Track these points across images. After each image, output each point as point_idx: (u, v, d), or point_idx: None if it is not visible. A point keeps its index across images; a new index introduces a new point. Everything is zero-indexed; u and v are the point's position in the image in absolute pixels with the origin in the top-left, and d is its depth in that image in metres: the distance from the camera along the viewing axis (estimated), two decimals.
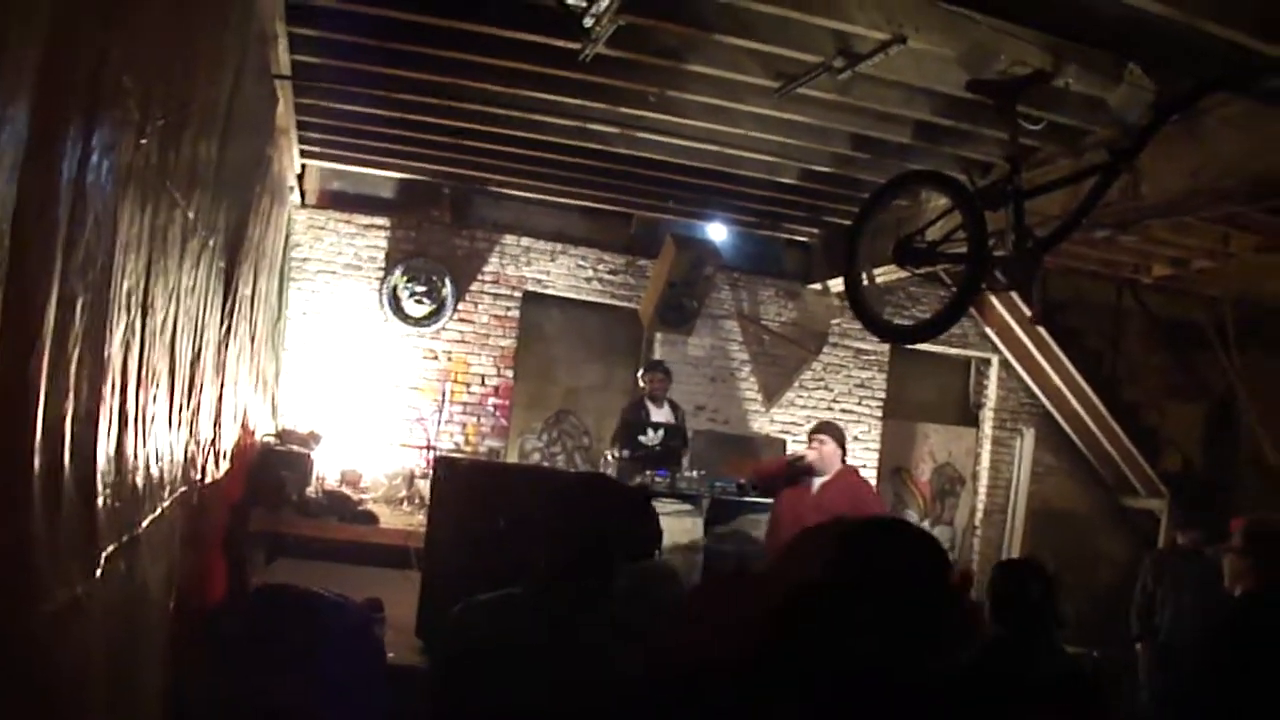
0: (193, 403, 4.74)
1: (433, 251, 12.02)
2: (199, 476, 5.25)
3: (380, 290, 11.84)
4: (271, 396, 10.26)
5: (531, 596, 3.44)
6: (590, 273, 12.58)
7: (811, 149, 9.08)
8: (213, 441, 5.75)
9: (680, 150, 9.36)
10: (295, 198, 11.16)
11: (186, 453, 4.72)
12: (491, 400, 12.21)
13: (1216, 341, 13.13)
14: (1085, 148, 7.80)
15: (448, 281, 11.91)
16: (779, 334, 13.06)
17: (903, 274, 6.71)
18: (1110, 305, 13.65)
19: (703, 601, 2.93)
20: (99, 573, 2.83)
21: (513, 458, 12.24)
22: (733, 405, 12.97)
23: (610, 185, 10.85)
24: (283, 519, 8.80)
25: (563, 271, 12.52)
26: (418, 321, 11.90)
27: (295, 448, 9.50)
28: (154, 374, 3.57)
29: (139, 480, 3.42)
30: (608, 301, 12.68)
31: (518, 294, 12.37)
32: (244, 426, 7.69)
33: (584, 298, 12.64)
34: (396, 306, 11.84)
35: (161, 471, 3.92)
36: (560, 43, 6.94)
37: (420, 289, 11.85)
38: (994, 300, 12.38)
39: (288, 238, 10.77)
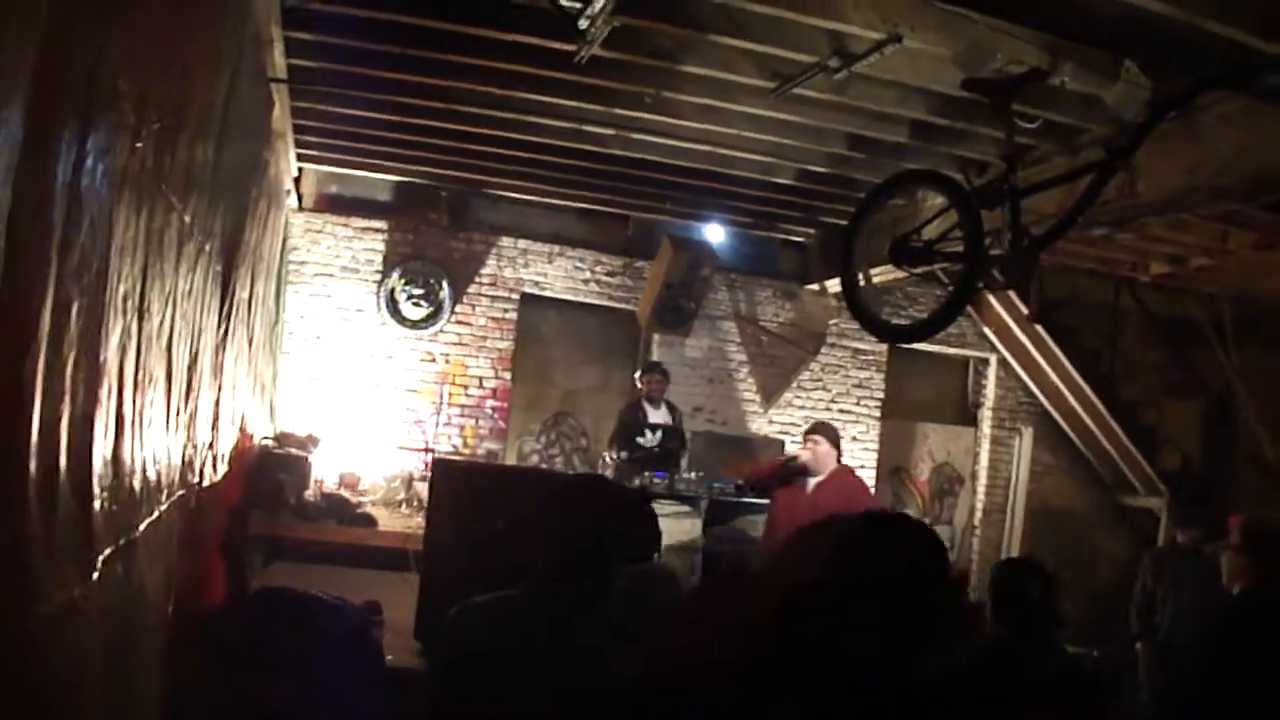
0: (190, 406, 4.74)
1: (430, 254, 12.01)
2: (197, 480, 5.25)
3: (378, 293, 11.83)
4: (269, 400, 10.26)
5: (529, 598, 3.44)
6: (587, 274, 12.58)
7: (807, 149, 9.08)
8: (210, 445, 5.75)
9: (676, 151, 9.36)
10: (292, 201, 11.17)
11: (184, 456, 4.72)
12: (489, 402, 12.20)
13: (1214, 339, 13.12)
14: (1081, 146, 7.80)
15: (445, 284, 11.90)
16: (776, 335, 13.06)
17: (899, 274, 6.72)
18: (1108, 303, 13.64)
19: (700, 602, 2.93)
20: (96, 575, 2.83)
21: (511, 460, 12.23)
22: (731, 406, 12.97)
23: (607, 187, 10.85)
24: (281, 522, 8.78)
25: (560, 273, 12.51)
26: (415, 324, 11.90)
27: (293, 451, 9.48)
28: (150, 377, 3.56)
29: (136, 483, 3.41)
30: (605, 303, 12.68)
31: (515, 296, 12.36)
32: (242, 430, 7.69)
33: (581, 299, 12.64)
34: (394, 309, 11.83)
35: (159, 475, 3.92)
36: (556, 45, 6.94)
37: (418, 291, 11.84)
38: (992, 299, 12.38)
39: (285, 241, 10.77)
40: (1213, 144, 6.90)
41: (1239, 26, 5.58)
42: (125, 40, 2.69)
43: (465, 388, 12.14)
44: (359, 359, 11.78)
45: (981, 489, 13.90)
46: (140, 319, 3.26)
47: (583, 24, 6.33)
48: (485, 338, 12.22)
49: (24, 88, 1.98)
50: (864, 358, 13.35)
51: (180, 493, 4.60)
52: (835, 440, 8.25)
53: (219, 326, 5.68)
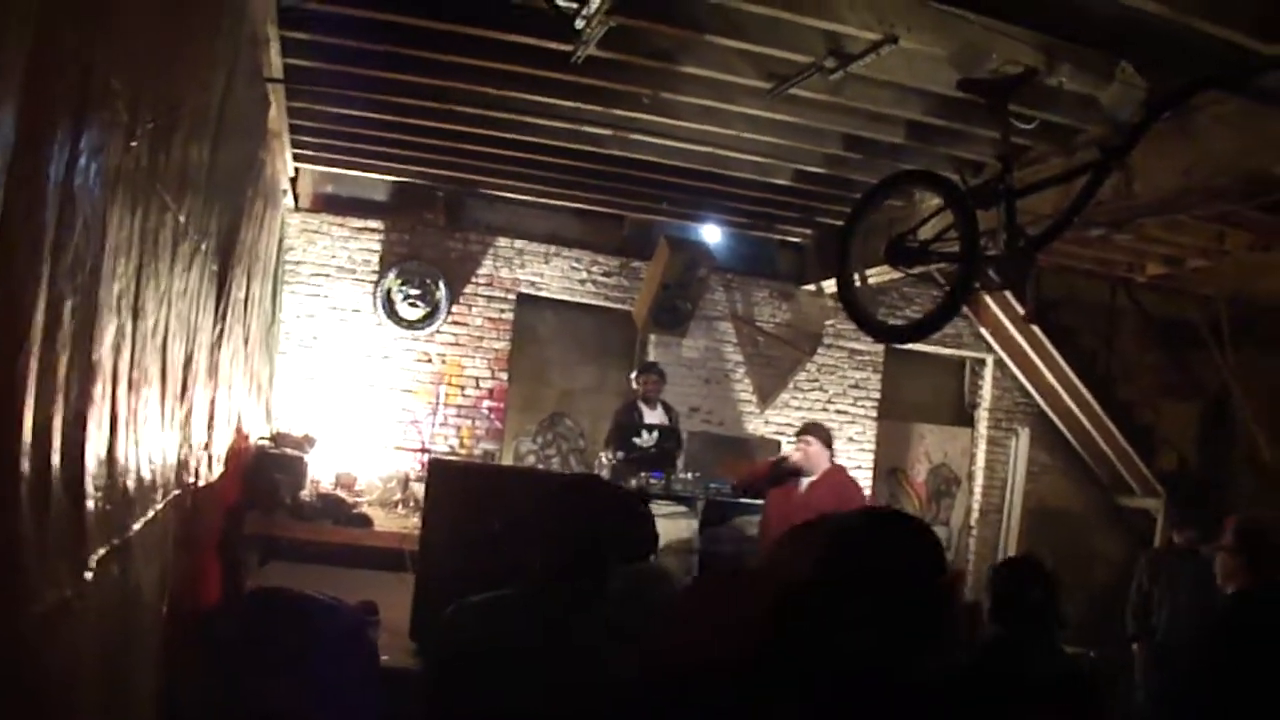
0: (185, 406, 4.74)
1: (426, 254, 12.01)
2: (192, 480, 5.24)
3: (374, 293, 11.83)
4: (265, 400, 10.26)
5: (525, 598, 3.44)
6: (584, 275, 12.58)
7: (804, 150, 9.09)
8: (206, 444, 5.74)
9: (673, 152, 9.36)
10: (288, 201, 11.17)
11: (179, 456, 4.71)
12: (486, 403, 12.21)
13: (1211, 340, 13.12)
14: (1078, 146, 7.81)
15: (441, 284, 11.90)
16: (773, 335, 13.07)
17: (896, 274, 6.72)
18: (1105, 304, 13.65)
19: (696, 601, 2.92)
20: (89, 575, 2.82)
21: (507, 460, 12.24)
22: (727, 407, 12.98)
23: (603, 187, 10.86)
24: (277, 522, 8.77)
25: (556, 274, 12.52)
26: (412, 324, 11.90)
27: (289, 451, 9.48)
28: (145, 377, 3.56)
29: (130, 483, 3.41)
30: (601, 303, 12.69)
31: (511, 296, 12.37)
32: (238, 430, 7.68)
33: (578, 300, 12.65)
34: (390, 309, 11.83)
35: (153, 474, 3.92)
36: (553, 45, 6.95)
37: (414, 292, 11.84)
38: (988, 300, 12.39)
39: (281, 241, 10.77)
40: (1209, 145, 6.91)
41: (1234, 27, 5.59)
42: (119, 39, 2.69)
43: (462, 388, 12.14)
44: (355, 359, 11.78)
45: (978, 490, 13.91)
46: (135, 318, 3.25)
47: (579, 24, 6.33)
48: (481, 338, 12.22)
49: (16, 87, 1.98)
50: (860, 358, 13.35)
51: (175, 493, 4.60)
52: (827, 440, 8.30)
53: (214, 326, 5.67)
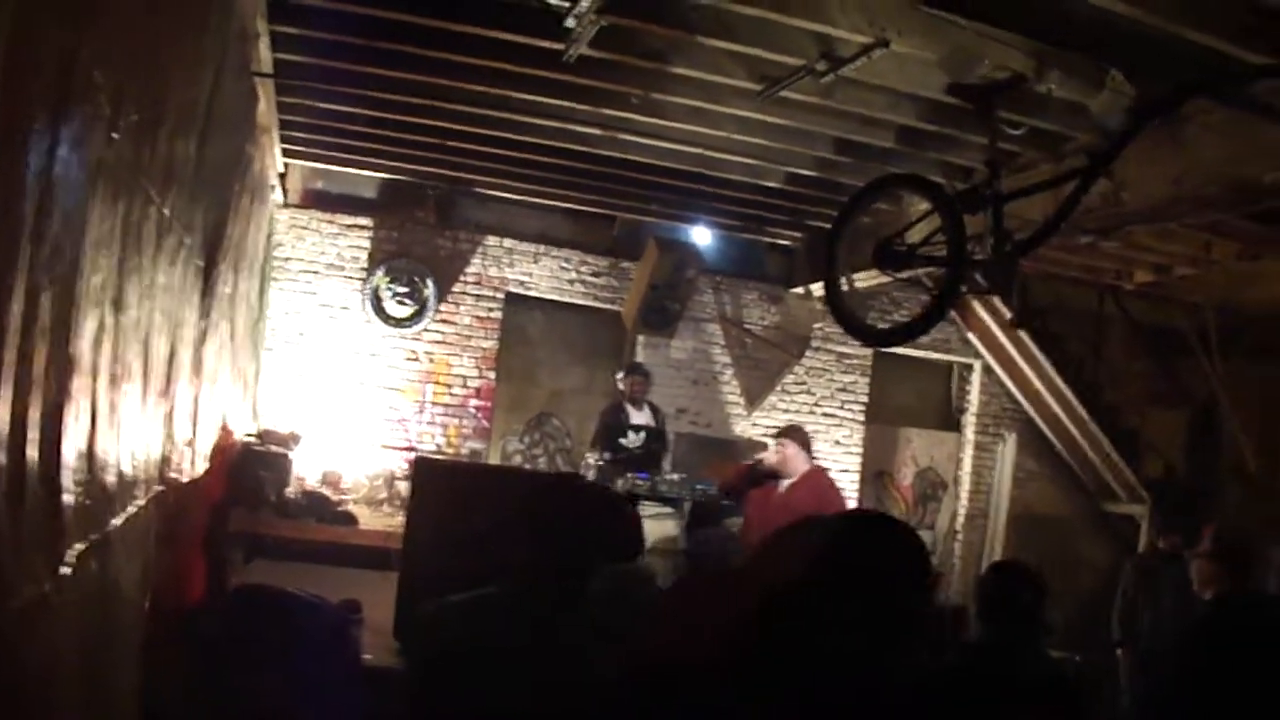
0: (168, 401, 4.72)
1: (415, 252, 11.99)
2: (175, 475, 5.23)
3: (362, 291, 11.80)
4: (252, 396, 10.24)
5: (509, 597, 3.42)
6: (573, 274, 12.57)
7: (795, 152, 9.08)
8: (190, 441, 5.73)
9: (663, 152, 9.35)
10: (277, 197, 11.13)
11: (162, 451, 4.70)
12: (473, 402, 12.18)
13: (1199, 348, 13.15)
14: (1068, 153, 7.80)
15: (430, 282, 11.88)
16: (761, 338, 13.06)
17: (884, 278, 6.72)
18: (1092, 311, 13.66)
19: (679, 601, 2.92)
20: (67, 570, 2.81)
21: (494, 460, 12.21)
22: (715, 408, 12.96)
23: (593, 187, 10.84)
24: (262, 519, 8.77)
25: (545, 273, 12.49)
26: (399, 322, 11.87)
27: (274, 448, 9.47)
28: (127, 371, 3.55)
29: (110, 478, 3.40)
30: (590, 304, 12.66)
31: (500, 295, 12.34)
32: (223, 426, 7.67)
33: (566, 299, 12.62)
34: (378, 307, 11.80)
35: (135, 470, 3.91)
36: (544, 44, 6.93)
37: (402, 290, 11.82)
38: (976, 305, 12.40)
39: (270, 237, 10.75)
40: (1198, 153, 6.92)
41: (1221, 35, 5.61)
42: (101, 33, 2.68)
43: (449, 387, 12.11)
44: (343, 356, 11.75)
45: (964, 494, 13.91)
46: (116, 312, 3.24)
47: (569, 23, 6.34)
48: (470, 337, 12.20)
49: None
50: (848, 362, 13.35)
51: (158, 489, 4.59)
52: (804, 443, 8.34)
53: (199, 321, 5.66)
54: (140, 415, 3.95)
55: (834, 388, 13.36)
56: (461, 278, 12.17)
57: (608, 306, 12.55)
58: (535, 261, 12.44)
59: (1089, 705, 6.67)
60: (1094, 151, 5.69)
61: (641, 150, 9.30)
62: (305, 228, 11.77)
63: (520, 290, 12.43)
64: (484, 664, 3.27)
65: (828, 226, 9.78)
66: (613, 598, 3.96)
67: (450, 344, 12.14)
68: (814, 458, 8.61)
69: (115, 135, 2.92)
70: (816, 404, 13.26)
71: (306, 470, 10.60)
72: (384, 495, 11.12)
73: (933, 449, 14.13)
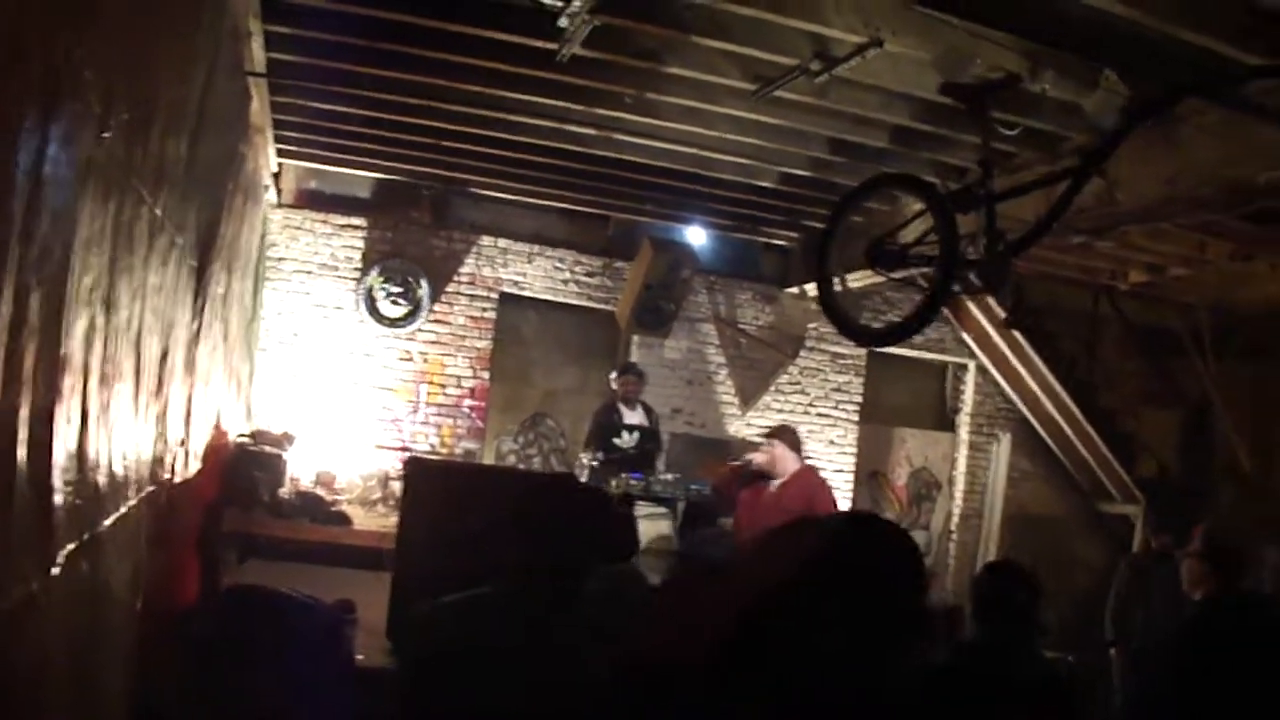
0: (161, 401, 4.72)
1: (409, 252, 11.97)
2: (168, 476, 5.22)
3: (356, 291, 11.78)
4: (245, 396, 10.23)
5: (502, 597, 3.42)
6: (567, 275, 12.56)
7: (789, 152, 9.08)
8: (183, 441, 5.72)
9: (658, 152, 9.35)
10: (271, 196, 11.12)
11: (154, 452, 4.69)
12: (467, 402, 12.17)
13: (1192, 348, 13.16)
14: (1063, 154, 7.80)
15: (424, 282, 11.86)
16: (756, 338, 13.05)
17: (878, 278, 6.71)
18: (1087, 311, 13.66)
19: (672, 600, 2.91)
20: (56, 571, 2.80)
21: (489, 460, 12.20)
22: (709, 408, 12.96)
23: (588, 187, 10.83)
24: (255, 520, 8.76)
25: (540, 273, 12.48)
26: (393, 322, 11.86)
27: (268, 448, 9.45)
28: (118, 371, 3.54)
29: (101, 478, 3.39)
30: (585, 304, 12.65)
31: (494, 295, 12.32)
32: (216, 426, 7.66)
33: (561, 300, 12.61)
34: (372, 307, 11.78)
35: (126, 470, 3.90)
36: (538, 43, 6.92)
37: (396, 289, 11.80)
38: (971, 305, 12.39)
39: (263, 237, 10.73)
40: (1192, 154, 6.92)
41: (1217, 36, 5.61)
42: (91, 33, 2.67)
43: (443, 387, 12.10)
44: (336, 357, 11.73)
45: (959, 494, 13.92)
46: (107, 312, 3.23)
47: (563, 22, 6.33)
48: (464, 337, 12.19)
49: None
50: (843, 362, 13.34)
51: (150, 489, 4.58)
52: (793, 443, 8.34)
53: (192, 321, 5.65)
54: (132, 416, 3.94)
55: (828, 388, 13.36)
56: (456, 278, 12.16)
57: (602, 306, 12.53)
58: (529, 261, 12.43)
59: (1082, 705, 6.67)
60: (1087, 151, 5.69)
61: (636, 150, 9.29)
62: (299, 228, 11.75)
63: (514, 290, 12.42)
64: (477, 664, 3.27)
65: (822, 226, 9.81)
66: (607, 598, 3.96)
67: (444, 344, 12.13)
68: (804, 457, 8.61)
69: (106, 134, 2.92)
70: (811, 404, 13.26)
71: (300, 470, 10.58)
72: (378, 495, 11.11)
73: (927, 449, 14.14)
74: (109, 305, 3.25)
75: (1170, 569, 8.41)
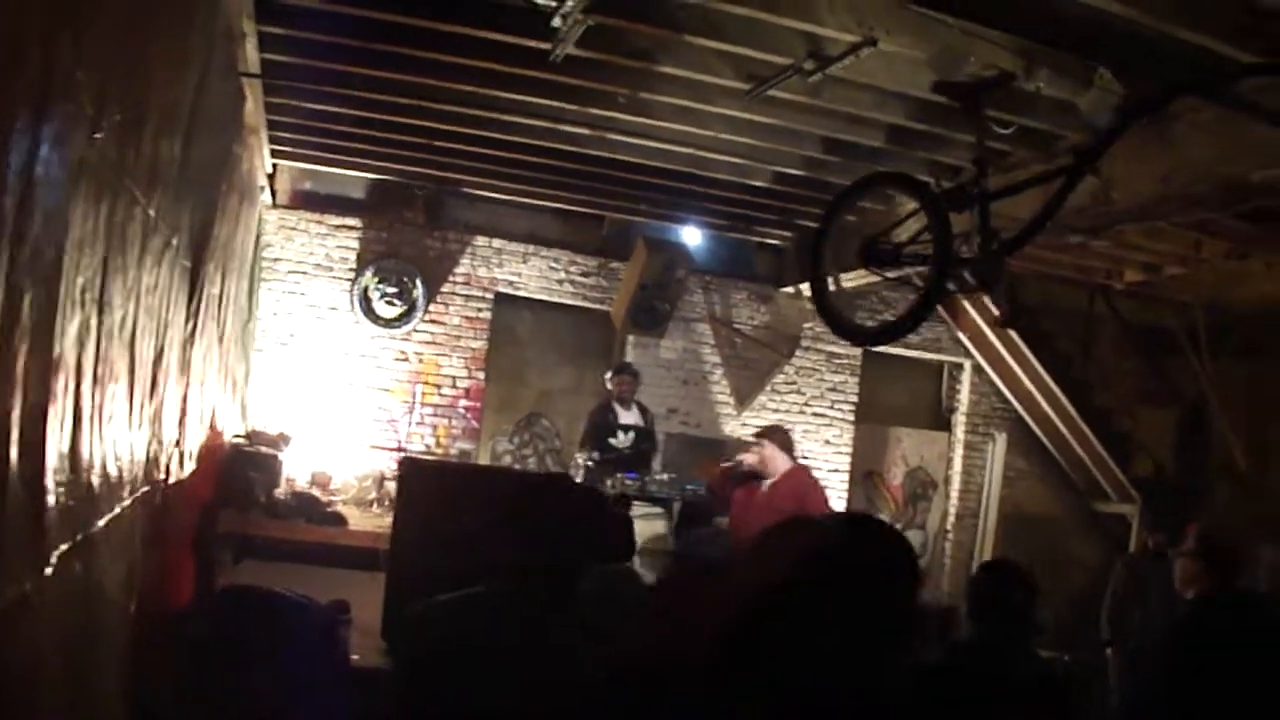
0: (155, 402, 4.71)
1: (404, 252, 11.97)
2: (163, 476, 5.22)
3: (351, 291, 11.78)
4: (241, 397, 10.22)
5: (496, 597, 3.42)
6: (562, 275, 12.56)
7: (783, 152, 9.08)
8: (177, 441, 5.71)
9: (652, 152, 9.35)
10: (266, 197, 11.10)
11: (149, 452, 4.68)
12: (463, 402, 12.17)
13: (1188, 347, 13.17)
14: (1058, 152, 7.80)
15: (419, 283, 11.86)
16: (751, 337, 13.06)
17: (872, 277, 6.71)
18: (1082, 310, 13.67)
19: (667, 600, 2.91)
20: (49, 571, 2.80)
21: (484, 460, 12.20)
22: (705, 408, 12.96)
23: (582, 187, 10.84)
24: (251, 520, 8.75)
25: (534, 273, 12.48)
26: (388, 323, 11.86)
27: (263, 449, 9.45)
28: (112, 372, 3.53)
29: (95, 479, 3.38)
30: (579, 304, 12.65)
31: (489, 296, 12.32)
32: (212, 427, 7.66)
33: (556, 300, 12.61)
34: (367, 307, 11.78)
35: (120, 471, 3.89)
36: (532, 43, 6.92)
37: (391, 290, 11.80)
38: (966, 305, 12.39)
39: (258, 238, 10.73)
40: (1187, 152, 6.92)
41: (1212, 34, 5.60)
42: (83, 33, 2.66)
43: (438, 387, 12.10)
44: (332, 357, 11.74)
45: (954, 494, 13.92)
46: (100, 313, 3.23)
47: (556, 22, 6.33)
48: (459, 337, 12.19)
49: None
50: (838, 361, 13.34)
51: (144, 490, 4.57)
52: (784, 443, 8.35)
53: (187, 322, 5.65)
54: (126, 416, 3.93)
55: (824, 387, 13.36)
56: (450, 278, 12.16)
57: (597, 306, 12.54)
58: (524, 262, 12.43)
59: (1078, 705, 6.68)
60: (1081, 150, 5.69)
61: (630, 150, 9.29)
62: (294, 228, 11.75)
63: (509, 290, 12.42)
64: (472, 664, 3.27)
65: (815, 226, 9.82)
66: (602, 598, 3.96)
67: (439, 344, 12.13)
68: (796, 457, 8.61)
69: (98, 135, 2.91)
70: (806, 404, 13.26)
71: (296, 471, 10.57)
72: (373, 496, 11.09)
73: (923, 448, 14.14)
74: (102, 306, 3.24)
75: (1166, 568, 8.40)
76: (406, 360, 12.02)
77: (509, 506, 3.60)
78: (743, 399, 13.06)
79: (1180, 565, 5.36)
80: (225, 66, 6.35)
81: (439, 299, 12.09)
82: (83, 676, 3.42)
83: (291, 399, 11.38)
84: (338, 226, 11.86)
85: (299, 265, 11.75)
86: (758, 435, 8.64)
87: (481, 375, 12.27)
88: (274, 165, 10.84)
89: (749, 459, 8.34)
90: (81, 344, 3.01)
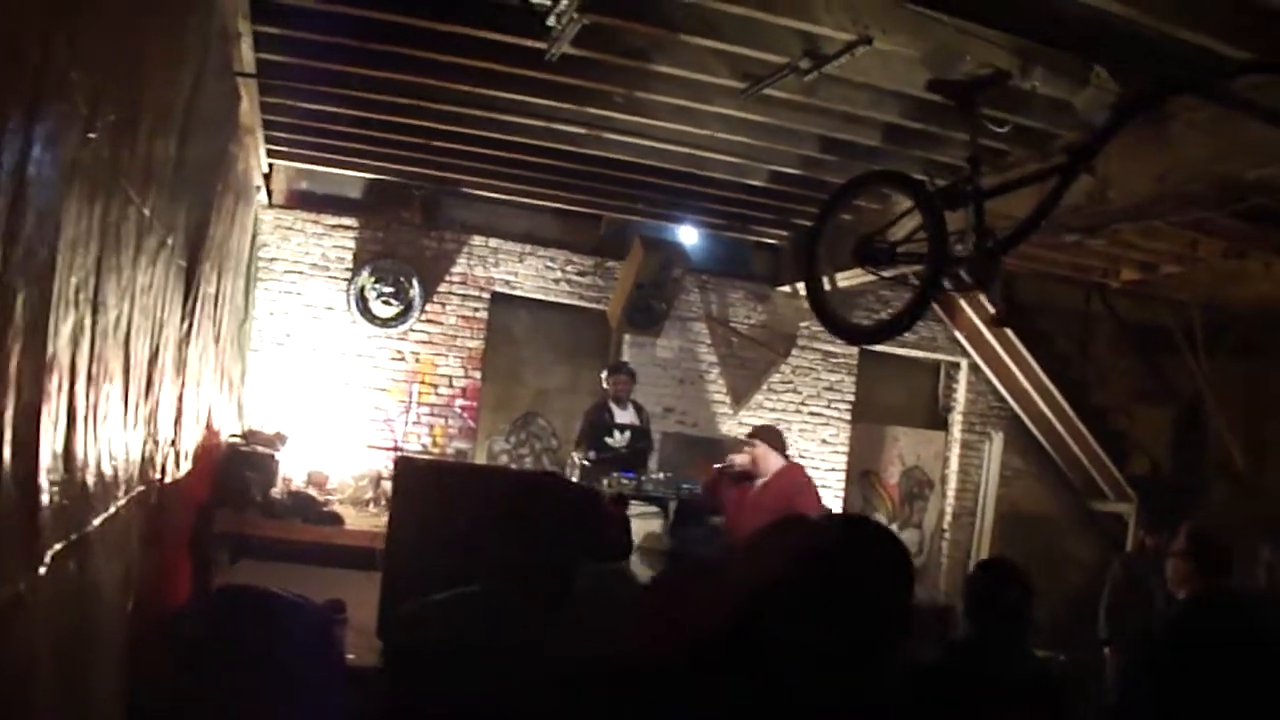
0: (150, 402, 4.71)
1: (401, 252, 11.97)
2: (158, 476, 5.22)
3: (348, 291, 11.78)
4: (237, 397, 10.21)
5: (492, 596, 3.42)
6: (559, 274, 12.56)
7: (780, 151, 9.08)
8: (173, 441, 5.71)
9: (648, 151, 9.34)
10: (262, 197, 11.10)
11: (144, 452, 4.68)
12: (459, 402, 12.17)
13: (1185, 346, 13.18)
14: (1053, 151, 7.80)
15: (415, 282, 11.86)
16: (747, 336, 13.06)
17: (868, 277, 6.71)
18: (1079, 309, 13.69)
19: (662, 598, 2.91)
20: (43, 571, 2.79)
21: (480, 459, 12.19)
22: (701, 407, 12.96)
23: (579, 186, 10.83)
24: (247, 520, 8.76)
25: (531, 273, 12.48)
26: (385, 322, 11.85)
27: (260, 449, 9.45)
28: (106, 372, 3.53)
29: (89, 478, 3.38)
30: (576, 303, 12.65)
31: (486, 295, 12.32)
32: (208, 426, 7.65)
33: (552, 299, 12.61)
34: (364, 307, 11.78)
35: (116, 470, 3.89)
36: (527, 43, 6.91)
37: (388, 290, 11.80)
38: (963, 304, 12.39)
39: (254, 237, 10.72)
40: (1182, 151, 6.92)
41: (1208, 32, 5.61)
42: (77, 33, 2.66)
43: (435, 387, 12.10)
44: (328, 357, 11.73)
45: (951, 493, 13.92)
46: (94, 312, 3.22)
47: (551, 21, 6.32)
48: (455, 337, 12.18)
49: None
50: (835, 360, 13.35)
51: (140, 489, 4.57)
52: (775, 442, 8.33)
53: (182, 322, 5.65)
54: (121, 416, 3.93)
55: (820, 386, 13.36)
56: (447, 277, 12.16)
57: (593, 306, 12.54)
58: (521, 261, 12.43)
59: (1073, 704, 6.67)
60: (1076, 148, 5.69)
61: (626, 149, 9.29)
62: (290, 228, 11.75)
63: (506, 290, 12.42)
64: (467, 663, 3.27)
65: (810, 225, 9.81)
66: (596, 597, 3.96)
67: (436, 344, 12.13)
68: (789, 456, 8.60)
69: (92, 135, 2.91)
70: (803, 403, 13.26)
71: (292, 471, 10.58)
72: (370, 495, 11.09)
73: (919, 448, 14.14)
74: (97, 306, 3.24)
75: (1163, 567, 8.43)
76: (403, 360, 12.02)
77: (505, 506, 3.60)
78: (739, 398, 13.06)
79: (1171, 565, 5.37)
80: (220, 66, 6.35)
81: (435, 299, 12.09)
82: (78, 676, 3.42)
83: (288, 399, 11.37)
84: (334, 226, 11.86)
85: (295, 265, 11.74)
86: (749, 435, 8.63)
87: (478, 375, 12.27)
88: (270, 165, 10.83)
89: (740, 459, 8.33)
90: (76, 343, 3.01)
